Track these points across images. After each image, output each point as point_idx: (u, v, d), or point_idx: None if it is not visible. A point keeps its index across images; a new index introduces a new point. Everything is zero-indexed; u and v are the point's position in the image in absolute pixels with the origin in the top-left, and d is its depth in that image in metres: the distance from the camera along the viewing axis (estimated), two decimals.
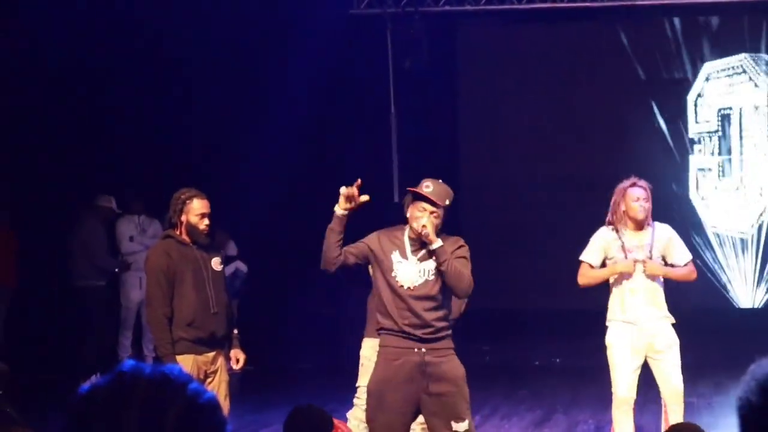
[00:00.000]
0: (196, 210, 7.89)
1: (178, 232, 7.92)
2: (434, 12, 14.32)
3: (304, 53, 13.67)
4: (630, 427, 8.14)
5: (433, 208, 6.84)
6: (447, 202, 6.91)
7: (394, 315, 6.92)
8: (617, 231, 8.14)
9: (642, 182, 8.20)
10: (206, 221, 7.92)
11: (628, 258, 8.07)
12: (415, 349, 6.88)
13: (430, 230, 6.80)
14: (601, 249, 8.18)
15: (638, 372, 8.15)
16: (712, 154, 14.65)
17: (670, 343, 8.10)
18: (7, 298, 13.46)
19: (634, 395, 8.12)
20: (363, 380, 8.07)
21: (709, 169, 14.65)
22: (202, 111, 14.01)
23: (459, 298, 6.94)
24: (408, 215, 6.93)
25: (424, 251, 6.90)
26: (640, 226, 8.09)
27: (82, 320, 12.87)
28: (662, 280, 8.13)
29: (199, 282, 7.87)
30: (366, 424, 7.41)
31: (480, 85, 14.99)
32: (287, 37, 13.87)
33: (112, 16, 13.34)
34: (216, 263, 8.02)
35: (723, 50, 14.59)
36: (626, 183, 8.17)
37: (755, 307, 14.54)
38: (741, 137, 14.57)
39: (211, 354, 7.91)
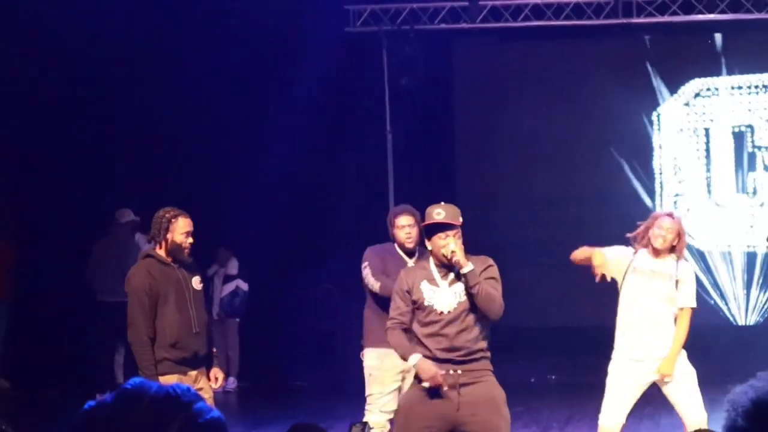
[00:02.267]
0: (182, 228, 7.89)
1: (159, 252, 7.92)
2: (430, 29, 14.34)
3: (300, 71, 13.69)
4: None
5: (456, 230, 6.91)
6: (461, 220, 7.01)
7: (427, 342, 6.95)
8: (635, 252, 8.22)
9: (677, 215, 8.47)
10: (190, 239, 7.93)
11: (631, 273, 8.15)
12: (450, 371, 6.90)
13: (459, 256, 6.85)
14: (617, 252, 8.23)
15: (631, 405, 8.19)
16: (708, 170, 14.66)
17: (684, 371, 8.12)
18: (4, 312, 13.48)
19: (618, 427, 8.16)
20: (372, 389, 8.28)
21: (708, 185, 14.65)
22: (200, 132, 14.04)
23: (492, 320, 6.97)
24: (428, 245, 6.99)
25: (452, 275, 6.96)
26: (657, 253, 8.15)
27: (112, 335, 12.80)
28: (673, 311, 8.16)
29: (182, 302, 7.87)
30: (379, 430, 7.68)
31: (476, 103, 15.00)
32: (283, 55, 13.89)
33: (107, 39, 13.40)
34: (196, 282, 8.03)
35: (718, 68, 14.61)
36: (662, 212, 8.36)
37: (749, 324, 14.55)
38: (744, 154, 14.56)
39: (194, 373, 7.92)
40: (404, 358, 7.00)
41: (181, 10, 13.59)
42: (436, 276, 6.98)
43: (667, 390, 8.16)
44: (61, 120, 13.58)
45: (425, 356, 6.95)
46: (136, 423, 1.83)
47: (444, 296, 6.94)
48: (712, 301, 14.47)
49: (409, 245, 8.43)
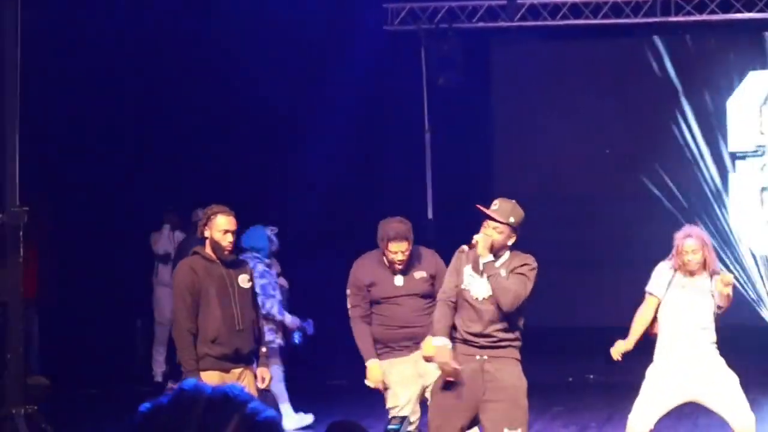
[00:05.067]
0: (220, 226, 7.89)
1: (205, 249, 7.95)
2: (468, 28, 14.34)
3: (338, 69, 13.72)
4: None
5: (496, 224, 7.17)
6: (511, 220, 7.25)
7: (459, 323, 7.23)
8: (675, 269, 8.21)
9: (695, 231, 8.29)
10: (230, 238, 7.91)
11: (669, 290, 8.15)
12: (477, 357, 7.19)
13: (481, 244, 7.15)
14: (665, 279, 8.22)
15: (662, 411, 8.16)
16: (741, 166, 14.57)
17: (724, 377, 8.08)
18: (31, 310, 13.55)
19: (646, 429, 8.13)
20: (389, 402, 8.20)
21: (745, 184, 14.56)
22: (237, 131, 14.09)
23: (504, 311, 7.16)
24: None
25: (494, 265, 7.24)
26: (692, 274, 8.16)
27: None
28: (713, 318, 8.13)
29: (224, 299, 7.89)
30: None
31: (514, 102, 14.98)
32: (322, 53, 13.92)
33: (152, 43, 13.49)
34: (244, 280, 8.03)
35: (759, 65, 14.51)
36: (681, 234, 8.24)
37: None
38: None
39: (237, 370, 7.93)
40: (432, 334, 7.27)
41: (221, 10, 13.65)
42: (480, 264, 7.24)
43: (710, 402, 8.12)
44: (91, 119, 13.67)
45: (455, 338, 7.23)
46: (194, 424, 1.87)
47: (481, 283, 7.21)
48: (752, 302, 14.39)
49: (398, 268, 8.04)
